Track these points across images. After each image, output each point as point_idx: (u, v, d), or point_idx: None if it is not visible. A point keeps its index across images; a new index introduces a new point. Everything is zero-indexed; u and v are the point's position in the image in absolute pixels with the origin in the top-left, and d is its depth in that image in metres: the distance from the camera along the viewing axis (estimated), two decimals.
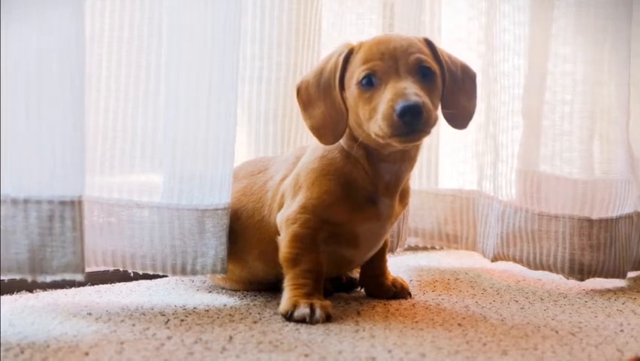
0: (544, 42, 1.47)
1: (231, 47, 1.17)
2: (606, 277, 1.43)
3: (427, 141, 1.61)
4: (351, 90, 1.09)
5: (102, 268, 1.26)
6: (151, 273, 1.19)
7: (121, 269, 1.18)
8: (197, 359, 0.88)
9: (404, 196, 1.21)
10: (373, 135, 1.06)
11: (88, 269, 1.26)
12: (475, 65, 1.59)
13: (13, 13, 0.97)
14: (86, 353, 0.89)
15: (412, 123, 1.01)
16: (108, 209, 1.17)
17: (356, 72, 1.08)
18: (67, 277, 1.01)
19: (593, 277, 1.42)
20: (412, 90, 1.03)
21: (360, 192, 1.13)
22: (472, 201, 1.62)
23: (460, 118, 1.16)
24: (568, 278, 1.43)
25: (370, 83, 1.07)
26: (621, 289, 1.41)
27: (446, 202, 1.65)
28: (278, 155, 1.38)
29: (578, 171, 1.46)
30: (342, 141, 1.15)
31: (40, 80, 1.00)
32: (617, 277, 1.44)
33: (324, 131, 1.12)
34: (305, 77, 1.16)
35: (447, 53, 1.18)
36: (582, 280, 1.43)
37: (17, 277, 1.01)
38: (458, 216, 1.65)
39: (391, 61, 1.07)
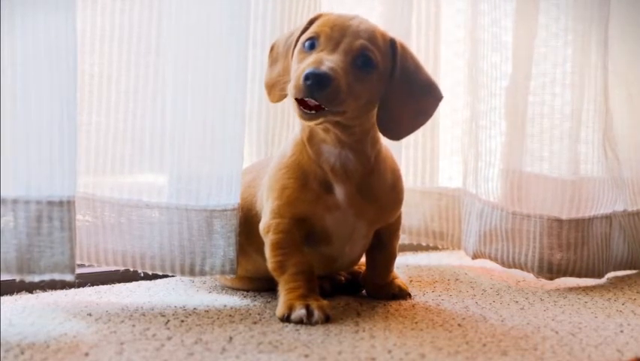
0: (528, 44, 1.47)
1: (239, 45, 1.17)
2: (579, 276, 1.44)
3: (414, 141, 1.63)
4: (296, 49, 1.11)
5: (107, 268, 1.27)
6: (160, 273, 1.20)
7: (131, 269, 1.19)
8: (197, 360, 0.88)
9: (377, 197, 1.16)
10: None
11: (97, 268, 1.27)
12: (463, 65, 1.60)
13: (4, 13, 0.97)
14: (86, 354, 0.89)
15: (312, 90, 1.01)
16: (119, 209, 1.17)
17: (306, 34, 1.10)
18: (57, 276, 1.01)
19: (563, 276, 1.43)
20: (329, 63, 1.03)
21: (312, 179, 1.13)
22: (457, 199, 1.62)
23: (393, 126, 1.13)
24: (537, 277, 1.44)
25: (312, 46, 1.08)
26: (621, 290, 1.41)
27: (432, 200, 1.65)
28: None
29: (555, 171, 1.47)
30: (299, 129, 1.15)
31: (29, 81, 0.99)
32: (592, 277, 1.45)
33: (273, 89, 1.16)
34: (280, 36, 1.20)
35: (417, 63, 1.15)
36: (551, 279, 1.43)
37: (6, 276, 1.01)
38: (444, 213, 1.65)
39: (338, 34, 1.07)
